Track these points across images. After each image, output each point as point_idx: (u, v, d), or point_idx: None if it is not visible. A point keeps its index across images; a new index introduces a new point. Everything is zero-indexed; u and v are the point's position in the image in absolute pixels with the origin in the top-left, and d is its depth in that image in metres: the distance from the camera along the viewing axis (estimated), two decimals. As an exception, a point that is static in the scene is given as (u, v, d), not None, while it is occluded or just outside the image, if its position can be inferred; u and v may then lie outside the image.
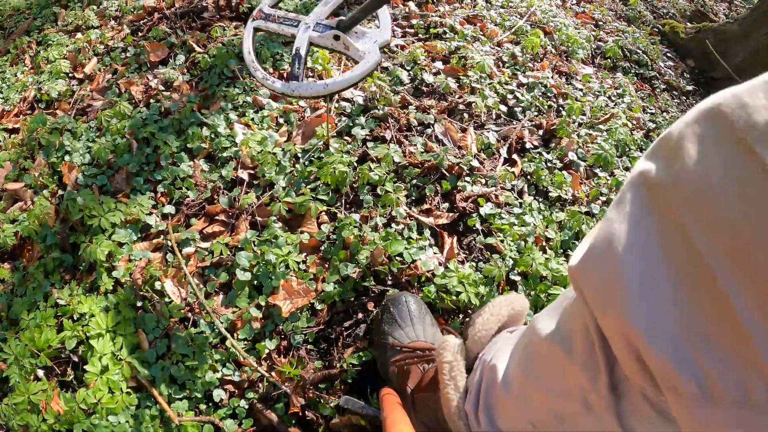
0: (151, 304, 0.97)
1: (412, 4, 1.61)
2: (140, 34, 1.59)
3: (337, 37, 0.85)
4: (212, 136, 1.21)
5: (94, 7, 1.77)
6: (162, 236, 1.07)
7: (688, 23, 2.09)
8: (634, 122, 1.40)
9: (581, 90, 1.44)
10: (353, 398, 0.87)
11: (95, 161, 1.24)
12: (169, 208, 1.10)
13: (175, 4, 1.66)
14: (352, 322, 0.91)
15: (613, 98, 1.47)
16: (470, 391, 0.60)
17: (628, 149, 1.30)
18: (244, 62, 0.93)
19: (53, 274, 1.08)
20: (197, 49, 1.46)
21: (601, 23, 1.80)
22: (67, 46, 1.66)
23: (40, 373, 0.95)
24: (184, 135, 1.22)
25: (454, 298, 0.92)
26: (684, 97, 1.65)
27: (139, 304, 0.98)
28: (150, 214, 1.09)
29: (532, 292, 0.97)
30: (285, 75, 1.34)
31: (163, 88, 1.36)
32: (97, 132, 1.32)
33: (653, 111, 1.50)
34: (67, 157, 1.27)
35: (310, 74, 1.33)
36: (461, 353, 0.65)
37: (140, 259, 1.03)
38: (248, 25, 0.93)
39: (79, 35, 1.69)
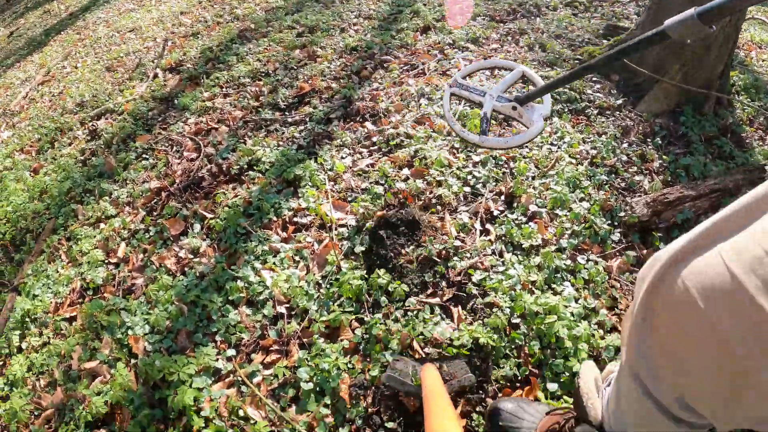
0: (241, 429, 1.35)
1: (368, 124, 2.15)
2: (155, 213, 2.11)
3: (514, 108, 1.30)
4: (246, 285, 1.66)
5: (107, 198, 2.30)
6: (231, 375, 1.48)
7: (604, 41, 2.66)
8: (578, 156, 1.88)
9: (527, 147, 1.93)
10: (395, 375, 1.06)
11: (155, 329, 1.68)
12: (231, 352, 1.52)
13: (176, 181, 2.20)
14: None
15: (554, 143, 1.96)
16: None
17: (578, 182, 1.76)
18: (445, 119, 1.41)
19: (148, 427, 1.47)
20: (207, 215, 1.96)
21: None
22: (94, 236, 2.16)
23: None
24: (224, 291, 1.67)
25: (471, 348, 1.32)
26: (618, 112, 2.14)
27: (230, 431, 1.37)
28: (217, 360, 1.51)
29: (534, 326, 1.37)
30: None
31: (192, 256, 1.84)
32: (148, 305, 1.77)
33: (592, 139, 1.98)
34: (130, 332, 1.70)
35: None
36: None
37: (220, 397, 1.43)
38: (446, 90, 1.38)
39: (102, 225, 2.21)
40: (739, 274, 0.51)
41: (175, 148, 2.39)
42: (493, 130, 2.04)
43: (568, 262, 1.53)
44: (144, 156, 2.44)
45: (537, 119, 1.30)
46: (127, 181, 2.34)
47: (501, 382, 1.33)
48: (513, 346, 1.37)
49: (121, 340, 1.72)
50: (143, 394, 1.53)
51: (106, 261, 2.05)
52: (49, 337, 1.90)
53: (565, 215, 1.66)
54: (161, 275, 1.80)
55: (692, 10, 0.75)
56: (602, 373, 1.06)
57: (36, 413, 1.68)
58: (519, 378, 1.33)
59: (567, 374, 1.30)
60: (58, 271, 2.14)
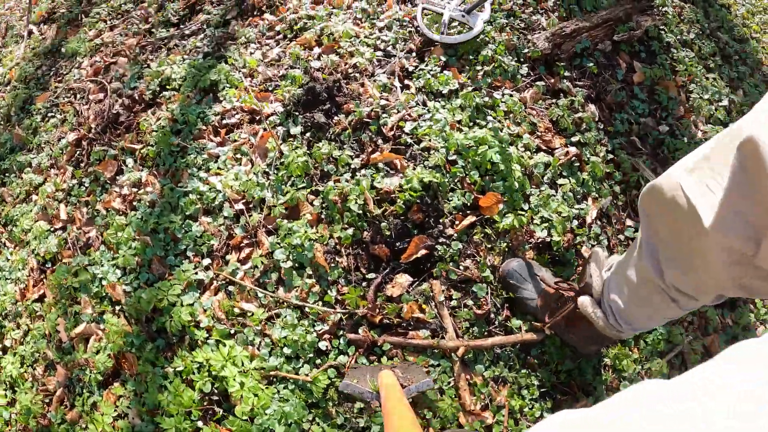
0: (241, 324, 1.39)
1: (267, 16, 1.99)
2: (83, 164, 1.94)
3: (463, 15, 1.70)
4: (198, 196, 1.60)
5: (28, 168, 2.08)
6: (214, 281, 1.49)
7: None
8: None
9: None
10: (352, 383, 1.04)
11: (127, 269, 1.62)
12: (206, 261, 1.51)
13: (92, 127, 2.00)
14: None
15: (452, -5, 1.90)
16: (607, 313, 1.06)
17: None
18: (419, 24, 1.78)
19: (158, 360, 1.47)
20: (136, 147, 1.82)
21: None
22: (31, 211, 1.98)
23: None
24: (179, 209, 1.61)
25: (420, 192, 1.38)
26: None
27: (232, 332, 1.40)
28: (196, 272, 1.50)
29: (470, 158, 1.43)
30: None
31: (136, 189, 1.73)
32: (111, 251, 1.69)
33: None
34: (104, 282, 1.64)
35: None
36: (593, 304, 1.08)
37: (211, 305, 1.45)
38: (419, 6, 1.78)
39: (34, 197, 2.02)
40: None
41: (79, 95, 2.14)
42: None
43: (486, 99, 1.57)
44: (50, 114, 2.17)
45: (479, 23, 1.70)
46: (42, 145, 2.10)
47: (453, 212, 1.41)
48: (456, 180, 1.44)
49: (98, 294, 1.65)
50: (141, 331, 1.50)
51: (52, 229, 1.90)
52: (28, 325, 1.78)
53: (475, 59, 1.67)
54: (112, 218, 1.70)
55: None
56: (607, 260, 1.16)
57: (47, 401, 1.63)
58: (468, 205, 1.41)
59: (507, 195, 1.40)
60: (8, 259, 1.96)
